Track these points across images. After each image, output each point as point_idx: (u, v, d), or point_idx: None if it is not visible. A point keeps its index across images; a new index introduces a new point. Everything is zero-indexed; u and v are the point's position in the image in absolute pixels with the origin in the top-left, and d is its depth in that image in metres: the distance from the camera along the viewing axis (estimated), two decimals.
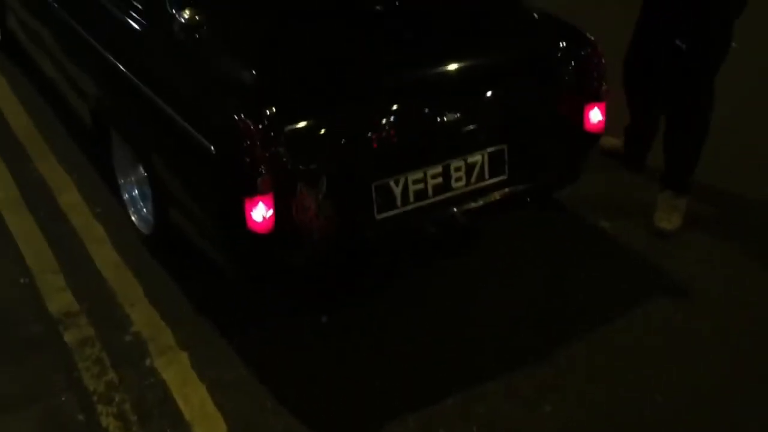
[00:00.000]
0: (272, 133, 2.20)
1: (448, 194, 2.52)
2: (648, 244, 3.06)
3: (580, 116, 2.67)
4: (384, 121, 2.35)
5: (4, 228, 3.11)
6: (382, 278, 2.86)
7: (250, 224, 2.22)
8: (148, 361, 2.52)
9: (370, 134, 2.33)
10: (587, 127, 2.69)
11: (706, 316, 2.75)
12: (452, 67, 2.53)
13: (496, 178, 2.59)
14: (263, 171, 2.17)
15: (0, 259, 2.95)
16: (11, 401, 2.38)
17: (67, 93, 3.37)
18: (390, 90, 2.44)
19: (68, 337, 2.61)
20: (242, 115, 2.20)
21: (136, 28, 2.71)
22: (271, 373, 2.49)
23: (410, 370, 2.51)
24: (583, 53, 2.65)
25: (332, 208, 2.32)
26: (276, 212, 2.23)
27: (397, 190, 2.43)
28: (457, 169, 2.51)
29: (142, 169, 2.82)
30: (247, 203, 2.19)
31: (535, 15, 2.81)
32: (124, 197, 3.03)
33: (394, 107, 2.39)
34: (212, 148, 2.26)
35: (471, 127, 2.48)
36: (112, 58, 2.75)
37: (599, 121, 2.69)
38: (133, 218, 3.00)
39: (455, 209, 2.56)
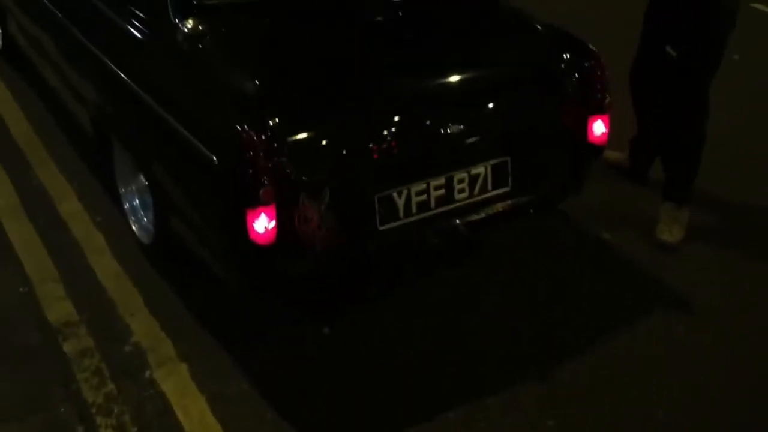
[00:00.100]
0: (275, 144, 2.18)
1: (451, 206, 2.51)
2: (650, 255, 3.05)
3: (584, 128, 2.67)
4: (387, 132, 2.35)
5: (3, 236, 3.09)
6: (384, 288, 2.85)
7: (252, 235, 2.20)
8: (147, 373, 2.50)
9: (373, 145, 2.33)
10: (590, 139, 2.69)
11: (707, 326, 2.74)
12: (456, 78, 2.53)
13: (499, 189, 2.58)
14: (266, 182, 2.16)
15: None
16: (9, 412, 2.36)
17: (68, 100, 3.36)
18: (393, 101, 2.43)
19: (67, 348, 2.59)
20: (245, 126, 2.19)
21: (138, 37, 2.70)
22: (272, 384, 2.47)
23: (412, 381, 2.49)
24: (586, 65, 2.65)
25: (335, 220, 2.31)
26: (278, 223, 2.21)
27: (400, 202, 2.42)
28: (461, 181, 2.50)
29: (143, 178, 2.81)
30: (250, 214, 2.17)
31: (539, 27, 2.81)
32: (125, 206, 3.01)
33: (398, 119, 2.38)
34: (214, 158, 2.24)
35: (474, 138, 2.47)
36: (114, 66, 2.74)
37: (603, 134, 2.69)
38: (133, 227, 2.99)
39: (458, 221, 2.55)
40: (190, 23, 2.48)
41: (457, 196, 2.51)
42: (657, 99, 3.22)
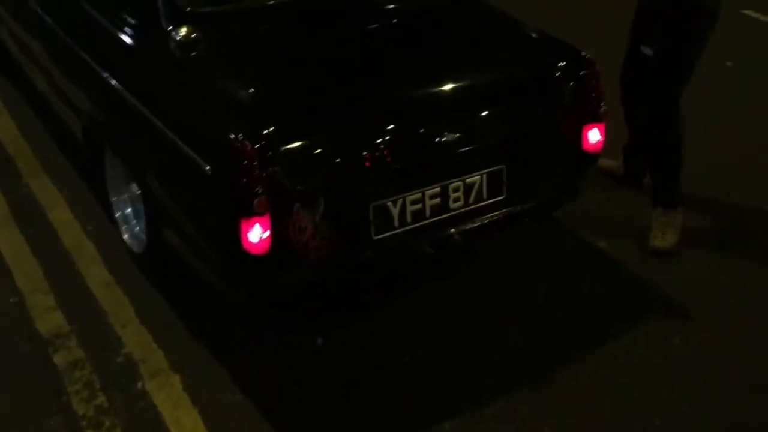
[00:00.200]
0: (269, 153, 2.16)
1: (447, 215, 2.50)
2: (646, 260, 3.04)
3: (579, 136, 2.66)
4: (382, 141, 2.33)
5: None
6: (380, 296, 2.83)
7: (246, 245, 2.18)
8: (139, 384, 2.47)
9: (367, 154, 2.31)
10: (586, 147, 2.68)
11: (706, 328, 2.73)
12: (451, 87, 2.51)
13: (495, 198, 2.57)
14: (260, 192, 2.13)
15: None
16: None
17: (58, 108, 3.33)
18: (388, 110, 2.41)
19: (58, 359, 2.56)
20: (239, 135, 2.17)
21: (131, 45, 2.68)
22: (267, 394, 2.45)
23: (409, 388, 2.47)
24: (582, 73, 2.64)
25: (329, 229, 2.29)
26: (272, 233, 2.19)
27: (395, 211, 2.40)
28: (456, 190, 2.48)
29: (135, 187, 2.78)
30: (244, 224, 2.15)
31: (534, 34, 2.80)
32: (117, 215, 2.98)
33: (393, 127, 2.36)
34: (208, 167, 2.22)
35: (469, 147, 2.46)
36: (105, 74, 2.72)
37: (598, 141, 2.68)
38: (125, 236, 2.95)
39: (453, 230, 2.54)
40: (182, 31, 2.47)
41: (453, 205, 2.50)
42: (640, 102, 3.22)
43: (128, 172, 2.80)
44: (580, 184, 2.84)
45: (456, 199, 2.49)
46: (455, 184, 2.47)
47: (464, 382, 2.50)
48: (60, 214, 3.23)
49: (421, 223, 2.46)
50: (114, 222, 3.01)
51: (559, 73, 2.64)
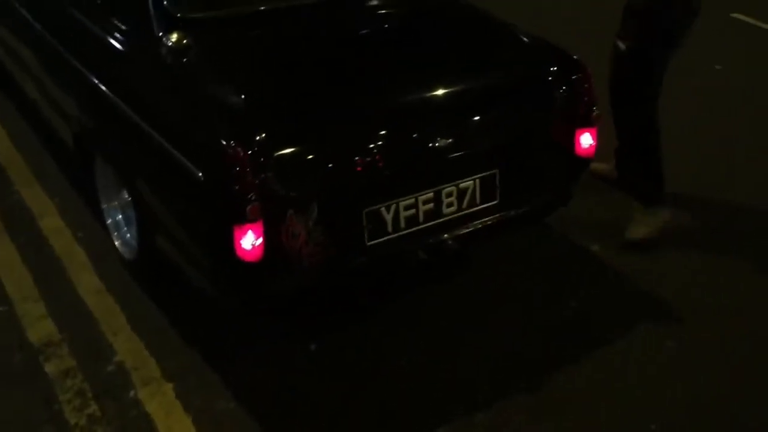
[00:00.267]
0: (261, 159, 2.15)
1: (440, 220, 2.49)
2: (641, 263, 3.05)
3: (571, 141, 2.66)
4: (375, 146, 2.32)
5: None
6: (376, 300, 2.82)
7: (239, 252, 2.17)
8: (131, 393, 2.45)
9: (361, 160, 2.30)
10: (578, 151, 2.68)
11: (702, 329, 2.73)
12: (443, 92, 2.51)
13: (488, 203, 2.57)
14: (253, 198, 2.12)
15: None
16: None
17: (49, 114, 3.31)
18: (380, 115, 2.41)
19: (49, 368, 2.54)
20: (231, 141, 2.16)
21: (121, 51, 2.67)
22: (261, 400, 2.43)
23: (405, 392, 2.47)
24: (574, 78, 2.64)
25: (323, 235, 2.28)
26: (266, 240, 2.18)
27: (388, 217, 2.40)
28: (449, 195, 2.48)
29: (126, 194, 2.76)
30: (236, 231, 2.14)
31: (526, 39, 2.80)
32: (108, 222, 2.96)
33: (385, 133, 2.36)
34: (200, 174, 2.21)
35: (462, 152, 2.46)
36: (96, 80, 2.70)
37: (590, 146, 2.68)
38: (116, 243, 2.94)
39: (446, 235, 2.53)
40: (174, 37, 2.45)
41: (446, 210, 2.49)
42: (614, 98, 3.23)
43: (119, 179, 2.79)
44: (573, 188, 2.84)
45: (449, 205, 2.49)
46: (448, 189, 2.47)
47: (460, 386, 2.49)
48: (51, 222, 3.21)
49: (415, 229, 2.45)
50: (105, 229, 2.99)
51: (551, 77, 2.64)
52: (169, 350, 2.61)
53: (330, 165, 2.28)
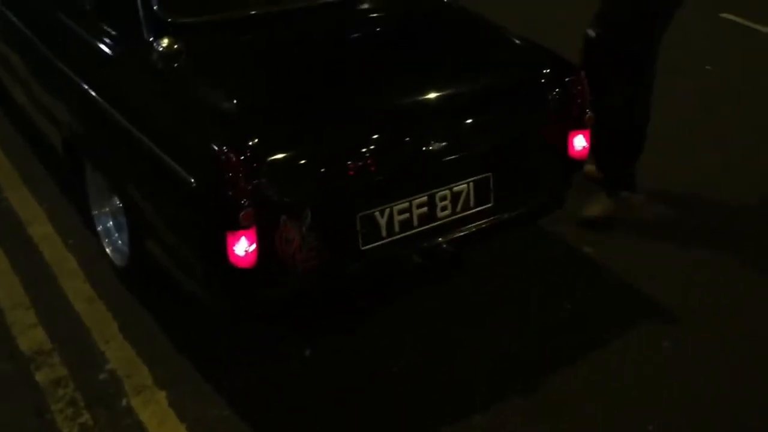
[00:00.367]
0: (254, 165, 2.14)
1: (434, 224, 2.48)
2: (636, 265, 3.04)
3: (564, 143, 2.66)
4: (368, 151, 2.31)
5: None
6: (372, 302, 2.81)
7: (232, 259, 2.15)
8: (124, 401, 2.43)
9: (354, 164, 2.29)
10: (571, 153, 2.68)
11: (700, 330, 2.73)
12: (436, 95, 2.50)
13: (482, 206, 2.56)
14: (246, 204, 2.10)
15: None
16: None
17: (38, 120, 3.28)
18: (374, 119, 2.40)
19: (40, 377, 2.51)
20: (223, 147, 2.14)
21: (111, 56, 2.64)
22: (256, 407, 2.41)
23: (402, 394, 2.46)
24: (567, 80, 2.64)
25: (317, 240, 2.27)
26: (259, 246, 2.16)
27: (383, 221, 2.38)
28: (443, 199, 2.47)
29: (117, 200, 2.74)
30: (230, 238, 2.12)
31: (519, 42, 2.80)
32: (98, 228, 2.94)
33: (378, 137, 2.35)
34: (192, 180, 2.19)
35: (456, 155, 2.45)
36: (86, 86, 2.68)
37: (583, 148, 2.68)
38: (107, 250, 2.91)
39: (441, 239, 2.52)
40: (164, 42, 2.43)
41: (440, 214, 2.48)
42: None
43: (110, 185, 2.76)
44: (567, 190, 2.84)
45: (443, 208, 2.48)
46: (442, 192, 2.46)
47: (457, 388, 2.49)
48: (40, 228, 3.18)
49: (409, 233, 2.44)
50: (96, 235, 2.96)
51: (543, 80, 2.64)
52: (161, 357, 2.59)
53: (323, 169, 2.26)
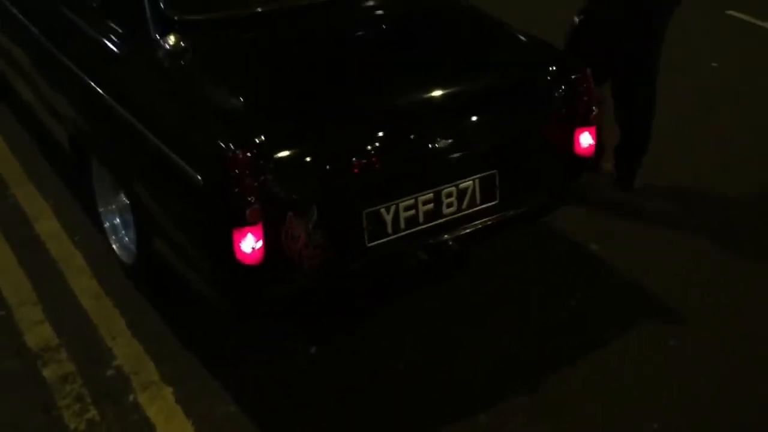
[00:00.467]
0: (261, 162, 2.14)
1: (440, 220, 2.48)
2: (639, 263, 3.04)
3: (571, 140, 2.66)
4: (374, 148, 2.31)
5: None
6: (374, 301, 2.81)
7: (238, 256, 2.15)
8: (131, 397, 2.44)
9: (360, 161, 2.29)
10: (578, 151, 2.68)
11: (701, 330, 2.73)
12: (443, 93, 2.50)
13: (488, 203, 2.56)
14: (252, 201, 2.11)
15: None
16: None
17: (44, 117, 3.29)
18: (379, 116, 2.40)
19: (47, 373, 2.52)
20: (230, 144, 2.14)
21: (118, 53, 2.65)
22: (262, 404, 2.42)
23: (403, 393, 2.46)
24: (573, 77, 2.63)
25: (323, 237, 2.27)
26: (265, 243, 2.17)
27: (388, 218, 2.38)
28: (449, 196, 2.47)
29: (123, 197, 2.74)
30: (236, 234, 2.13)
31: (525, 39, 2.80)
32: (105, 225, 2.94)
33: (384, 134, 2.35)
34: (199, 177, 2.19)
35: (462, 152, 2.45)
36: (92, 83, 2.68)
37: (590, 145, 2.68)
38: (114, 247, 2.92)
39: (446, 235, 2.52)
40: (171, 39, 2.44)
41: (446, 211, 2.48)
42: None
43: (116, 181, 2.77)
44: (573, 187, 2.83)
45: (449, 205, 2.48)
46: (448, 189, 2.46)
47: (458, 388, 2.49)
48: (47, 225, 3.19)
49: (415, 230, 2.44)
50: (102, 232, 2.97)
51: (550, 77, 2.63)
52: (168, 354, 2.59)
53: (329, 166, 2.27)
